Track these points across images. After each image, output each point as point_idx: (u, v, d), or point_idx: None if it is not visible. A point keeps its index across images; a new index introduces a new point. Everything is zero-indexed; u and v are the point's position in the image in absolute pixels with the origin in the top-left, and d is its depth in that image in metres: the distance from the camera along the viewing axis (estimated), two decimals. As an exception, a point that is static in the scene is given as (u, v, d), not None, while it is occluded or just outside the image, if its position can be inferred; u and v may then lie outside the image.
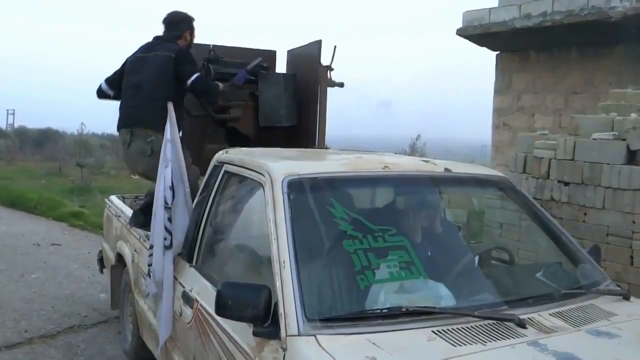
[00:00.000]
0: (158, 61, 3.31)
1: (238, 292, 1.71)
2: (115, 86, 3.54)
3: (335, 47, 3.75)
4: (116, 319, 4.15)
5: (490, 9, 7.37)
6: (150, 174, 3.32)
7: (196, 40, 3.74)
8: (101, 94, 3.60)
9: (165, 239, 2.51)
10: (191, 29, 3.58)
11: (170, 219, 2.52)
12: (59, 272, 5.69)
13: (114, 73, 3.58)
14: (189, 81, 3.26)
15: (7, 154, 18.52)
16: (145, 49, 3.45)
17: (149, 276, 2.62)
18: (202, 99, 3.65)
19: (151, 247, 2.59)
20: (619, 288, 2.28)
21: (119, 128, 3.42)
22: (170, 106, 2.67)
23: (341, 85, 3.95)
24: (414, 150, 13.34)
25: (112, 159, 17.50)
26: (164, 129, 3.07)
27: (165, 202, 2.51)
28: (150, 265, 2.60)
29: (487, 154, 10.66)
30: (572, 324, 1.84)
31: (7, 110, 27.51)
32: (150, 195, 3.43)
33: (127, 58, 3.53)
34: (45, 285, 5.23)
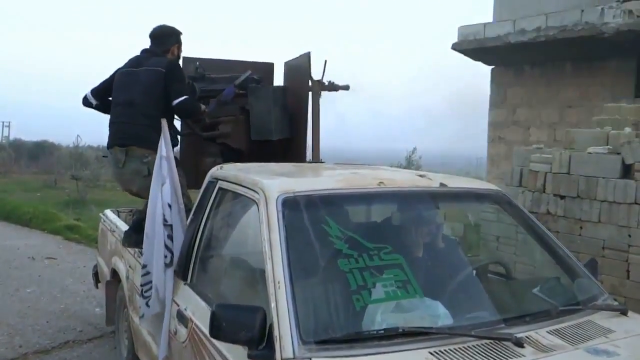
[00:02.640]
0: (148, 76, 3.27)
1: (232, 314, 1.69)
2: (99, 97, 3.51)
3: (325, 61, 3.75)
4: (111, 334, 4.12)
5: (485, 24, 7.46)
6: (145, 194, 3.24)
7: (192, 51, 3.70)
8: (85, 102, 3.57)
9: (165, 256, 2.48)
10: (179, 43, 3.55)
11: (169, 236, 2.50)
12: (54, 287, 5.64)
13: (101, 84, 3.54)
14: (176, 102, 3.22)
15: (2, 166, 18.43)
16: (134, 63, 3.40)
17: (142, 296, 2.56)
18: (185, 120, 3.62)
19: (144, 266, 2.55)
20: (616, 303, 2.27)
21: (110, 146, 3.36)
22: (164, 123, 2.66)
23: (346, 88, 3.91)
24: (409, 163, 13.37)
25: (107, 172, 17.44)
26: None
27: (165, 220, 2.49)
28: (143, 285, 2.55)
29: (483, 167, 10.70)
30: (570, 341, 1.83)
31: (3, 122, 27.46)
32: (139, 213, 3.37)
33: (116, 71, 3.48)
34: (39, 300, 5.19)
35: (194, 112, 3.45)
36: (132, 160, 3.21)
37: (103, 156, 3.52)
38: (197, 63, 3.86)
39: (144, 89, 3.25)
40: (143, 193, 3.26)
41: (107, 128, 3.44)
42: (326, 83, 3.79)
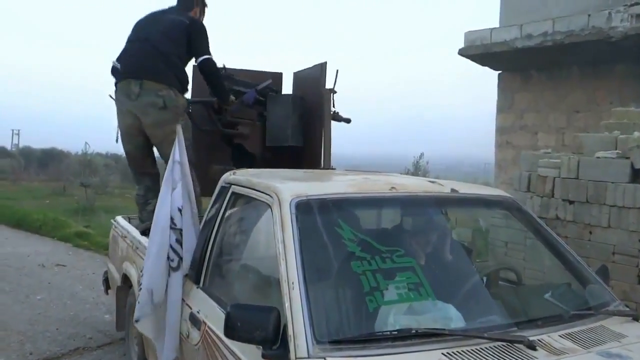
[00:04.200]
0: (170, 22, 3.32)
1: (247, 314, 1.71)
2: None
3: (337, 70, 3.80)
4: (121, 341, 4.13)
5: (491, 29, 7.46)
6: (156, 129, 3.24)
7: None
8: (113, 70, 3.53)
9: (172, 260, 2.50)
10: (201, 6, 3.63)
11: (178, 240, 2.52)
12: (64, 293, 5.67)
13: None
14: (200, 59, 3.28)
15: (12, 174, 18.61)
16: (158, 12, 3.47)
17: (139, 302, 2.55)
18: (208, 85, 3.61)
19: (141, 270, 2.57)
20: (627, 309, 2.26)
21: (122, 78, 3.30)
22: (179, 129, 2.68)
23: (348, 121, 4.00)
24: (417, 168, 13.34)
25: (116, 179, 17.56)
26: (173, 85, 3.18)
27: (174, 223, 2.51)
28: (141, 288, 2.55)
29: (490, 172, 10.68)
30: (582, 345, 1.83)
31: (12, 130, 27.86)
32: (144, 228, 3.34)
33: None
34: (49, 307, 5.22)
35: (217, 74, 3.49)
36: (147, 93, 3.21)
37: (109, 96, 3.43)
38: (223, 64, 3.94)
39: (163, 30, 3.29)
40: (156, 127, 3.23)
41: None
42: (336, 91, 3.84)
